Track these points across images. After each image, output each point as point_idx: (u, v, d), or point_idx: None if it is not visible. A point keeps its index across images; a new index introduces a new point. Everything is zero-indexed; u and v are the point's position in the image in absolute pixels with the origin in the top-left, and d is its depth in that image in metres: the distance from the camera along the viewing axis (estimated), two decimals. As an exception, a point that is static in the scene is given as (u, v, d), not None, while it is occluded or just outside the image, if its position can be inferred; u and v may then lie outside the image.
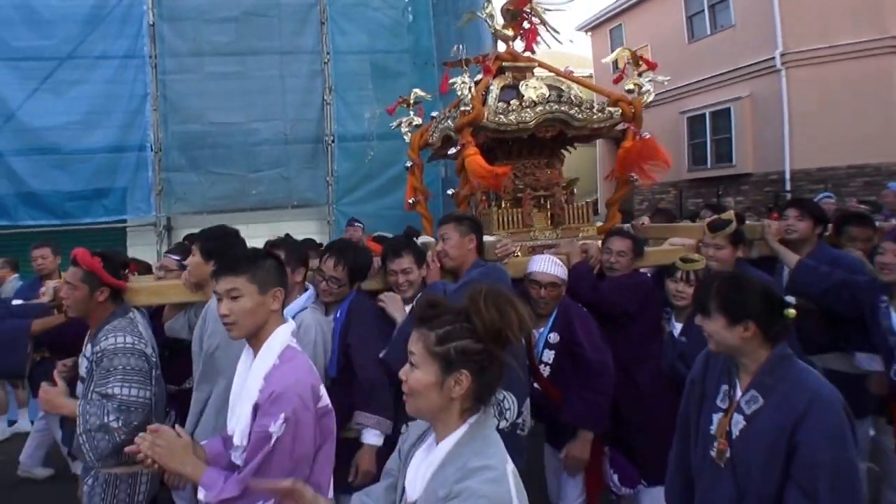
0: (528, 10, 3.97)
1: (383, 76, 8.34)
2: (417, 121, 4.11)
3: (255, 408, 1.76)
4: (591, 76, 19.50)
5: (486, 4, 4.08)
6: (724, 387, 1.94)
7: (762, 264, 3.40)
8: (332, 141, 7.84)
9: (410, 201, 4.07)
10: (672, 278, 2.97)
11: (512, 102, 3.64)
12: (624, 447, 3.02)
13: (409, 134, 4.12)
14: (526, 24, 4.00)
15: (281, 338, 1.86)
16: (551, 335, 2.92)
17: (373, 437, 2.58)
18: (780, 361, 1.85)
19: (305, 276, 2.86)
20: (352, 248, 2.95)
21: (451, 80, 3.59)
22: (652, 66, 3.86)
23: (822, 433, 1.70)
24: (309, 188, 7.80)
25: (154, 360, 2.47)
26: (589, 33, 18.24)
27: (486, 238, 3.16)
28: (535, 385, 2.92)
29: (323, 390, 1.87)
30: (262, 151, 7.71)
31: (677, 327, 2.99)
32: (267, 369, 1.80)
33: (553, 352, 2.92)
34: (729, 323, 1.85)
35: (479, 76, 3.87)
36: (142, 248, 7.14)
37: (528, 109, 3.61)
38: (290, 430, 1.70)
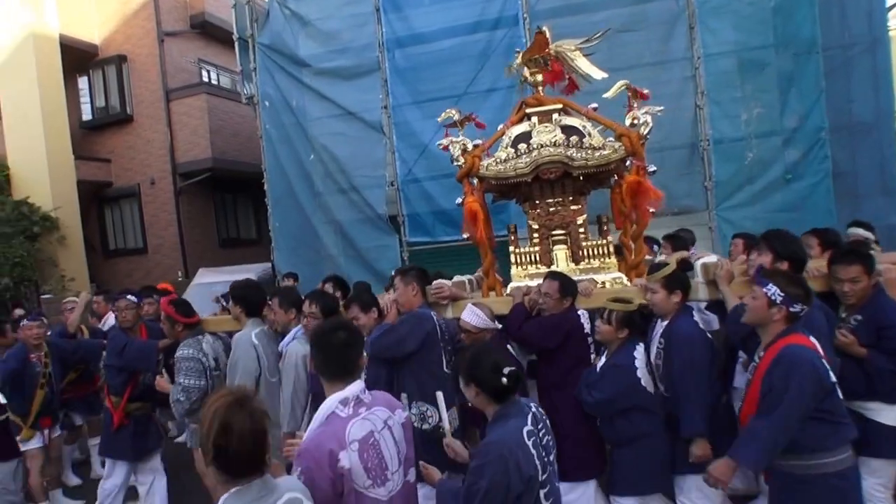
0: (553, 55, 4.10)
1: (756, 72, 7.88)
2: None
3: None
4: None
5: (515, 55, 4.31)
6: None
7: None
8: (708, 145, 7.64)
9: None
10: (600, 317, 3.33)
11: (509, 150, 3.92)
12: None
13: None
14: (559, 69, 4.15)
15: None
16: None
17: None
18: (496, 420, 2.35)
19: (297, 315, 3.88)
20: (323, 294, 4.01)
21: (439, 143, 4.13)
22: (644, 97, 3.85)
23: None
24: (687, 194, 7.67)
25: (206, 363, 4.01)
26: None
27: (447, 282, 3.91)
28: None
29: None
30: (637, 161, 7.90)
31: (602, 361, 3.37)
32: None
33: None
34: (464, 384, 2.42)
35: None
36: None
37: (524, 156, 3.84)
38: None
